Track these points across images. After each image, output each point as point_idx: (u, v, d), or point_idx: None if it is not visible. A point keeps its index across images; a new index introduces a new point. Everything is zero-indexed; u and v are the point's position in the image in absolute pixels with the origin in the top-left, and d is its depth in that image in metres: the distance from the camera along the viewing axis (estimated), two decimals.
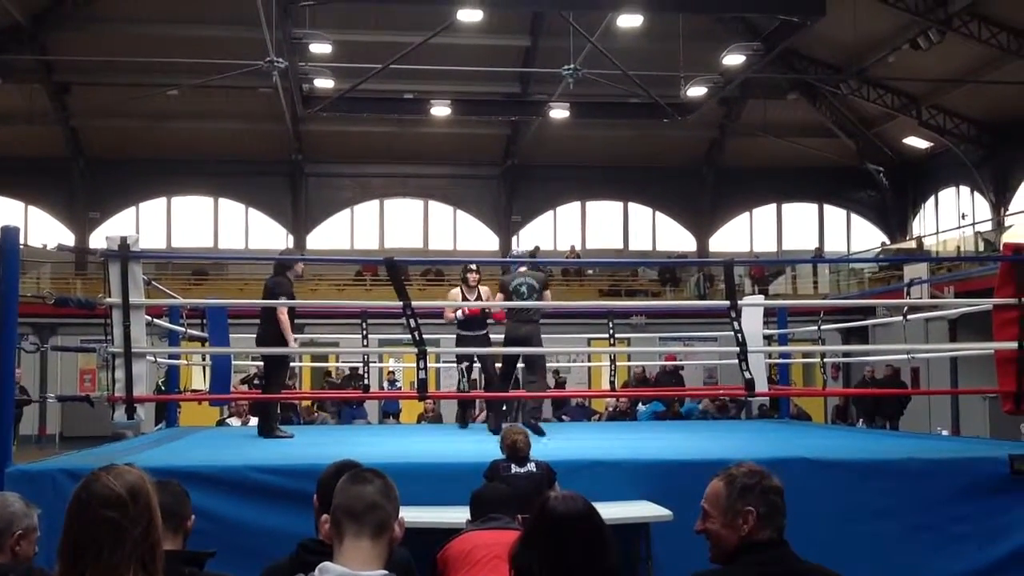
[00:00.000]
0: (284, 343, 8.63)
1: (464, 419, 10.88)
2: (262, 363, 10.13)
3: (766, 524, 3.02)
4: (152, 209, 30.28)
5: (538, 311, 9.47)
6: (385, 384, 19.71)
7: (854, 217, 32.20)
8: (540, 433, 8.71)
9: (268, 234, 30.32)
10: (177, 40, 24.49)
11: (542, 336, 9.64)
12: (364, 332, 11.11)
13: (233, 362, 10.72)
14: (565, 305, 20.16)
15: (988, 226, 25.82)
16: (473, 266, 10.24)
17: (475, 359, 10.10)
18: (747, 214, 32.06)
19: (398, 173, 30.59)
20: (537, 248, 30.00)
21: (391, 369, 19.27)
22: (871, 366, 18.54)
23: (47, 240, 26.76)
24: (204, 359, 11.01)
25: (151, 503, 2.49)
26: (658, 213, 31.75)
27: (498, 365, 9.82)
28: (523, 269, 9.58)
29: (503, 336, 9.55)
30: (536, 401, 9.99)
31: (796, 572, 3.01)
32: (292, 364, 17.94)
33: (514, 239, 30.93)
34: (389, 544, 2.65)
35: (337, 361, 20.02)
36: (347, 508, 2.64)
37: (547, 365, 10.72)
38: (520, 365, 10.10)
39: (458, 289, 10.19)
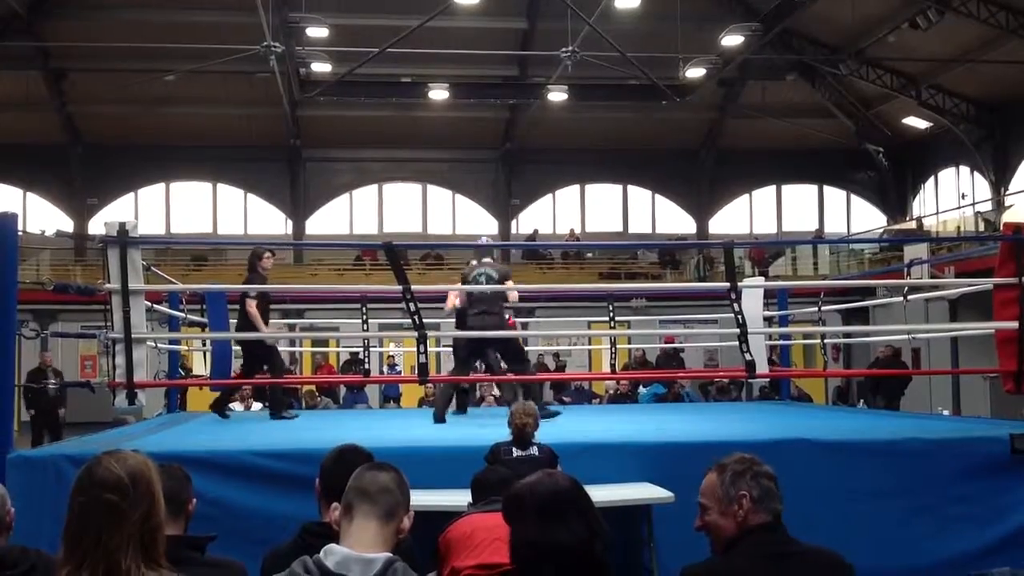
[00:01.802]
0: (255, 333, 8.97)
1: (463, 405, 10.86)
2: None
3: (761, 507, 3.09)
4: (151, 195, 30.24)
5: (499, 303, 9.33)
6: (385, 369, 19.74)
7: (854, 198, 32.17)
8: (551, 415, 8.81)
9: (267, 219, 30.31)
10: (173, 26, 24.43)
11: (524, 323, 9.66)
12: (364, 317, 11.11)
13: (233, 347, 10.70)
14: (565, 288, 20.18)
15: (988, 206, 25.80)
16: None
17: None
18: (747, 196, 32.01)
19: (396, 157, 30.53)
20: (536, 232, 30.02)
21: (391, 353, 19.29)
22: (882, 347, 18.57)
23: (46, 227, 26.69)
24: (204, 344, 11.02)
25: (153, 488, 2.50)
26: (657, 196, 31.71)
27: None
28: (487, 260, 9.47)
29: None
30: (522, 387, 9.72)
31: (795, 554, 3.04)
32: (292, 349, 18.02)
33: (513, 223, 30.93)
34: (396, 534, 2.66)
35: (338, 346, 20.04)
36: (360, 489, 2.68)
37: (548, 348, 10.60)
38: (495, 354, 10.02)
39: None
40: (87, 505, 2.44)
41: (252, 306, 8.99)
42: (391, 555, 2.56)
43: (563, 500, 2.75)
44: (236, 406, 12.92)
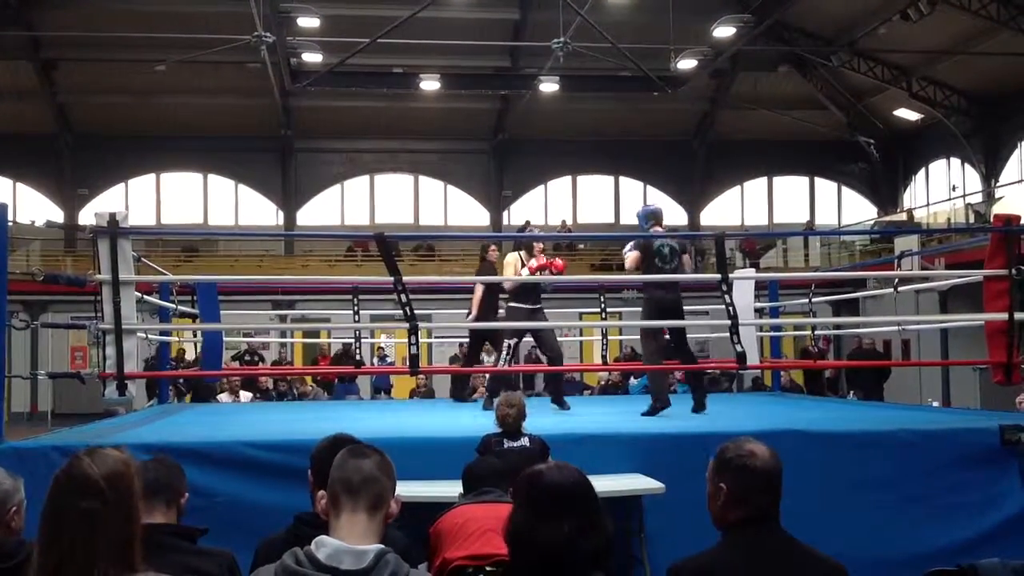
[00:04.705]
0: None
1: (461, 394, 10.91)
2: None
3: (737, 502, 3.04)
4: (141, 185, 30.14)
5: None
6: (375, 360, 19.69)
7: (845, 190, 32.21)
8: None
9: (258, 210, 30.23)
10: (164, 15, 24.31)
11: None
12: (355, 308, 11.10)
13: (224, 338, 10.69)
14: (556, 279, 20.11)
15: (978, 198, 25.84)
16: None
17: (524, 334, 9.88)
18: (738, 187, 32.03)
19: (388, 148, 30.48)
20: (528, 222, 29.95)
21: (382, 345, 19.26)
22: (868, 339, 18.61)
23: (36, 217, 26.58)
24: (195, 335, 11.00)
25: (131, 489, 2.47)
26: (649, 187, 31.71)
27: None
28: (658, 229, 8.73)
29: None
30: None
31: (780, 552, 3.00)
32: (284, 340, 17.99)
33: (504, 214, 30.89)
34: (385, 520, 2.65)
35: (329, 337, 20.02)
36: (344, 481, 2.64)
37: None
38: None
39: (516, 256, 9.72)
40: (64, 510, 2.41)
41: (480, 291, 9.78)
42: (382, 547, 2.55)
43: (593, 499, 2.77)
44: (224, 397, 12.92)
